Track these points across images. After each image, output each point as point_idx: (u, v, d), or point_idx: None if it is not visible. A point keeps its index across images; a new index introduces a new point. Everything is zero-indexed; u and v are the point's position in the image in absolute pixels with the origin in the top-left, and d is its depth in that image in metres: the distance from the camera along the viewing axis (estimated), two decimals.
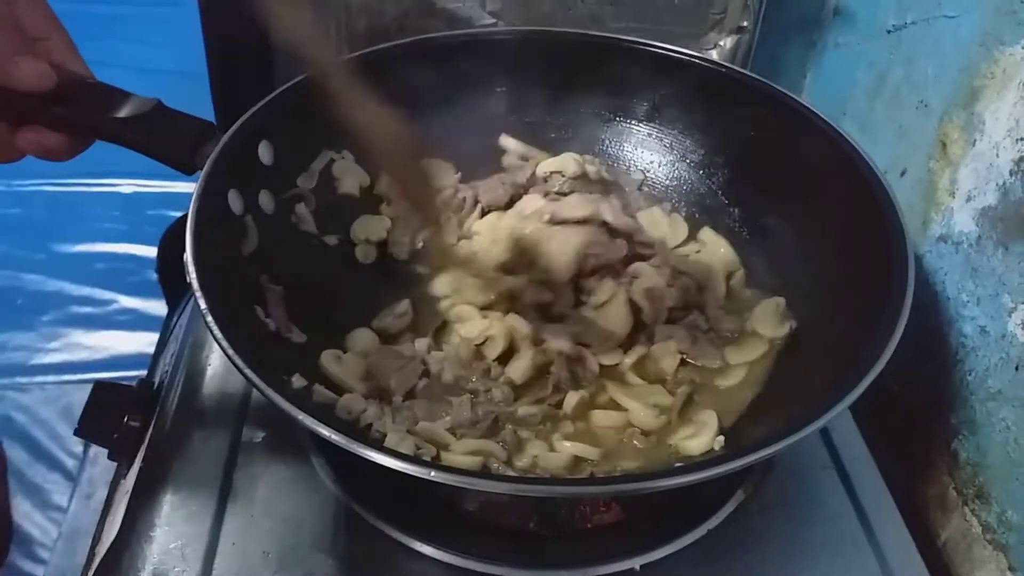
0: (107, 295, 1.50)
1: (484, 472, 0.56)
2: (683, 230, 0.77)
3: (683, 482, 0.46)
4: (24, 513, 1.19)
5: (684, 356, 0.67)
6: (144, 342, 1.41)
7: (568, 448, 0.60)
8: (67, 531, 1.20)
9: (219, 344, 0.49)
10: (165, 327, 0.83)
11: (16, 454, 1.25)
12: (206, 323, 0.50)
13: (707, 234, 0.77)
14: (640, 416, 0.63)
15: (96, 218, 1.59)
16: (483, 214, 0.77)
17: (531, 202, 0.75)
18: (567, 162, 0.78)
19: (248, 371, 0.48)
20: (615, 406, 0.64)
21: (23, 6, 0.51)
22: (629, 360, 0.67)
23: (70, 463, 1.28)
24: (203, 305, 0.51)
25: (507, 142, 0.82)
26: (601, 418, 0.63)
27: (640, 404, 0.63)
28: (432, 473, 0.44)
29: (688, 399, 0.65)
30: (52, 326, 1.45)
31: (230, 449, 0.62)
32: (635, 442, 0.62)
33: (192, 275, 0.53)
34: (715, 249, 0.75)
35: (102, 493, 1.20)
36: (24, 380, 1.38)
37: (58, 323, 1.46)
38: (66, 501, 1.23)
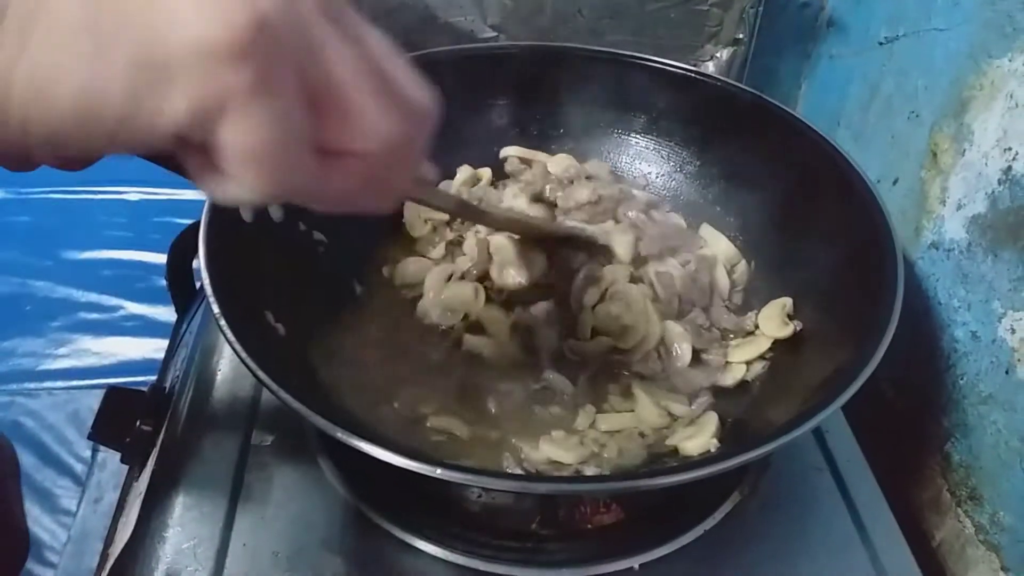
0: (114, 301, 1.51)
1: (488, 470, 0.57)
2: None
3: (680, 480, 0.47)
4: (34, 517, 1.20)
5: (694, 347, 0.67)
6: (151, 348, 1.42)
7: (547, 451, 0.60)
8: (76, 535, 1.21)
9: (233, 348, 0.51)
10: (175, 333, 0.84)
11: (25, 459, 1.26)
12: (219, 328, 0.52)
13: (706, 230, 0.78)
14: (646, 413, 0.64)
15: (103, 225, 1.60)
16: None
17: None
18: (562, 163, 0.80)
19: (261, 373, 0.49)
20: (622, 408, 0.65)
21: None
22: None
23: (79, 468, 1.29)
24: (216, 310, 0.53)
25: (507, 151, 0.84)
26: (613, 421, 0.64)
27: (651, 401, 0.64)
28: (438, 471, 0.45)
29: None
30: (60, 332, 1.47)
31: (240, 452, 0.64)
32: (635, 443, 0.63)
33: (206, 282, 0.54)
34: (716, 243, 0.76)
35: (110, 497, 1.23)
36: (33, 386, 1.40)
37: (66, 329, 1.47)
38: (75, 505, 1.25)
